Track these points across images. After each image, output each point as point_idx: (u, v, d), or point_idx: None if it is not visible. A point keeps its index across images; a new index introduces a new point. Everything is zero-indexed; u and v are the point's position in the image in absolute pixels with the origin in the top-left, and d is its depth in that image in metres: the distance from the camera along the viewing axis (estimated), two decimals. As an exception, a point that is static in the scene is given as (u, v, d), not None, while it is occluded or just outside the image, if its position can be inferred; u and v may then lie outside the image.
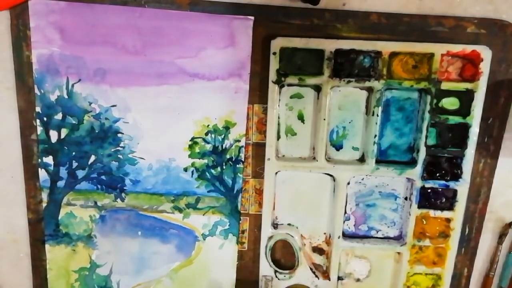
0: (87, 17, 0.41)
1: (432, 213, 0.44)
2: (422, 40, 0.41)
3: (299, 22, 0.41)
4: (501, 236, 0.46)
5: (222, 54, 0.41)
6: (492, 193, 0.45)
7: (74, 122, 0.43)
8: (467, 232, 0.46)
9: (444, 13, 0.41)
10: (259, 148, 0.44)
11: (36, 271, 0.47)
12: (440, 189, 0.44)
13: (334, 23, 0.41)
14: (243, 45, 0.41)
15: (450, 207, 0.44)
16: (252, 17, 0.41)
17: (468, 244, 0.46)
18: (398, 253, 0.46)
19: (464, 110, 0.42)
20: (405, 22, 0.41)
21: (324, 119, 0.42)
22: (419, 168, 0.43)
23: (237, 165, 0.45)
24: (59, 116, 0.43)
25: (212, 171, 0.45)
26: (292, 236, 0.46)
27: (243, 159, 0.44)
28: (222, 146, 0.44)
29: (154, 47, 0.41)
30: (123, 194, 0.45)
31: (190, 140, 0.44)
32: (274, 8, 0.41)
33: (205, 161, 0.44)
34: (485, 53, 0.41)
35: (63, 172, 0.45)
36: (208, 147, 0.44)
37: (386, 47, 0.41)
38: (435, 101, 0.42)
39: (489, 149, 0.44)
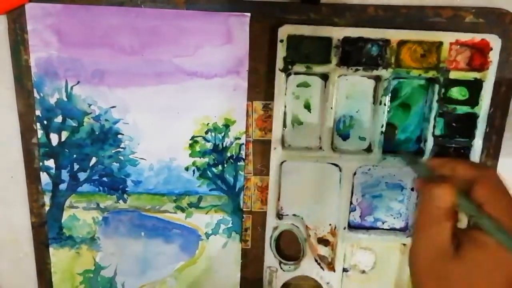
0: (83, 19, 0.41)
1: None
2: (420, 31, 0.40)
3: (296, 17, 0.41)
4: None
5: (219, 52, 0.41)
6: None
7: (74, 124, 0.43)
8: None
9: (441, 4, 0.41)
10: (260, 145, 0.44)
11: (41, 275, 0.47)
12: None
13: (332, 17, 0.41)
14: (240, 42, 0.41)
15: None
16: (249, 14, 0.40)
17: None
18: (404, 244, 0.46)
19: (473, 99, 0.41)
20: (402, 14, 0.41)
21: (331, 108, 0.42)
22: (426, 158, 0.43)
23: (238, 163, 0.44)
24: (59, 119, 0.43)
25: (214, 169, 0.45)
26: (297, 227, 0.46)
27: (244, 157, 0.44)
28: (222, 144, 0.44)
29: (152, 46, 0.41)
30: (125, 195, 0.45)
31: (190, 139, 0.44)
32: (271, 4, 0.41)
33: (206, 159, 0.44)
34: (495, 42, 0.40)
35: (64, 175, 0.45)
36: (209, 145, 0.44)
37: (394, 35, 0.40)
38: (443, 90, 0.41)
39: (491, 139, 0.43)
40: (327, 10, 0.41)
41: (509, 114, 0.43)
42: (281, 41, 0.40)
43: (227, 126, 0.44)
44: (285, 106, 0.43)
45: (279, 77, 0.41)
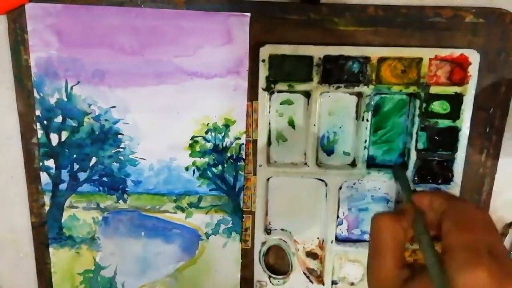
0: (83, 19, 0.41)
1: None
2: (420, 31, 0.41)
3: (296, 17, 0.41)
4: (501, 236, 0.46)
5: (219, 52, 0.41)
6: (492, 194, 0.45)
7: (74, 124, 0.43)
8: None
9: (441, 4, 0.41)
10: (260, 145, 0.44)
11: (41, 275, 0.47)
12: None
13: (331, 17, 0.41)
14: (240, 42, 0.41)
15: None
16: (249, 14, 0.40)
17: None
18: None
19: (454, 113, 0.42)
20: (402, 14, 0.41)
21: (315, 125, 0.43)
22: (410, 171, 0.43)
23: (238, 163, 0.44)
24: (59, 119, 0.43)
25: (214, 169, 0.45)
26: (285, 242, 0.46)
27: (244, 157, 0.44)
28: (222, 144, 0.44)
29: (151, 47, 0.41)
30: (125, 195, 0.45)
31: (190, 139, 0.44)
32: (270, 4, 0.41)
33: (206, 159, 0.44)
34: (473, 57, 0.41)
35: (64, 175, 0.45)
36: (209, 145, 0.44)
37: (374, 52, 0.41)
38: (424, 105, 0.42)
39: (491, 139, 0.43)
40: (327, 10, 0.41)
41: (509, 114, 0.43)
42: (263, 61, 0.41)
43: (227, 126, 0.44)
44: (269, 124, 0.43)
45: (262, 96, 0.42)
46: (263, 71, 0.41)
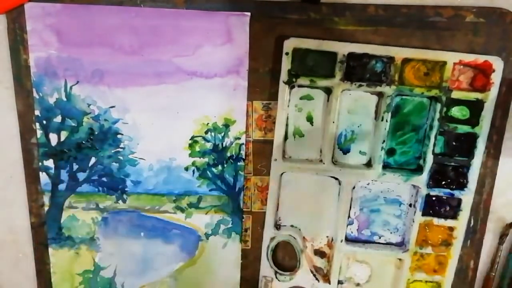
0: (83, 18, 0.41)
1: (435, 221, 0.44)
2: (421, 31, 0.41)
3: (296, 17, 0.41)
4: (502, 237, 0.46)
5: (219, 51, 0.41)
6: (493, 194, 0.45)
7: (73, 124, 0.43)
8: (472, 224, 0.45)
9: (442, 3, 0.40)
10: (260, 145, 0.44)
11: (40, 275, 0.47)
12: (445, 198, 0.44)
13: (332, 17, 0.41)
14: (240, 42, 0.41)
15: (454, 216, 0.44)
16: (249, 13, 0.40)
17: (472, 245, 0.46)
18: (400, 259, 0.46)
19: (473, 119, 0.42)
20: (403, 13, 0.41)
21: (333, 122, 0.42)
22: (425, 175, 0.43)
23: (238, 163, 0.44)
24: (58, 119, 0.43)
25: (213, 169, 0.45)
26: (294, 238, 0.46)
27: (243, 157, 0.44)
28: (222, 144, 0.44)
29: (151, 46, 0.41)
30: (124, 196, 0.45)
31: (190, 139, 0.44)
32: (271, 3, 0.40)
33: (206, 159, 0.44)
34: (497, 64, 0.40)
35: (64, 175, 0.44)
36: (209, 145, 0.44)
37: (399, 53, 0.40)
38: (444, 109, 0.42)
39: (492, 139, 0.43)
40: (327, 9, 0.40)
41: (509, 114, 0.43)
42: (287, 53, 0.40)
43: (227, 126, 0.43)
44: (287, 118, 0.43)
45: (283, 89, 0.41)
46: (285, 64, 0.41)
